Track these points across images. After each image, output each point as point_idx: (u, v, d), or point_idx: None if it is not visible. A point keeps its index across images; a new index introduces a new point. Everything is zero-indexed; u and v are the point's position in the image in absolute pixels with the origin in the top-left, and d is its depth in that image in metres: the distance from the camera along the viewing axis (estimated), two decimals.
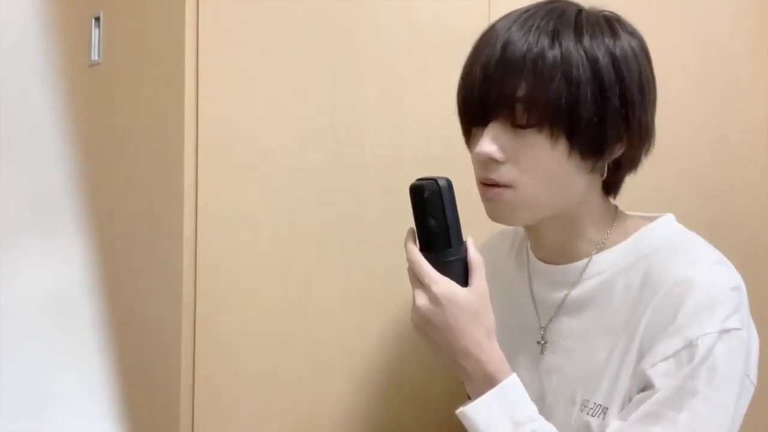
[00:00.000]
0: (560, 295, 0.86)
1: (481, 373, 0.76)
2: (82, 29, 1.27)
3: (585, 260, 0.84)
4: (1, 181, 0.26)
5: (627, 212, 0.87)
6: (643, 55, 0.81)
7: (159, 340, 1.07)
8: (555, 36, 0.76)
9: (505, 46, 0.76)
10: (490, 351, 0.76)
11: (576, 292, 0.85)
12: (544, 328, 0.88)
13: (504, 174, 0.78)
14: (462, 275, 0.77)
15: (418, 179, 0.79)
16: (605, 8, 0.83)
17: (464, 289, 0.76)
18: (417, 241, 0.79)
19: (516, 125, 0.77)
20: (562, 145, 0.76)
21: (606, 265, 0.83)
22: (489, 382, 0.76)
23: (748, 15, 1.26)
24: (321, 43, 1.05)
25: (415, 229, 0.79)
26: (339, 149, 1.07)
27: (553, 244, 0.86)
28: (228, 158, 1.01)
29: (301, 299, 1.05)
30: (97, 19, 1.24)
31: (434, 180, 0.77)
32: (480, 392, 0.76)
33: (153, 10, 1.10)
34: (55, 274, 0.28)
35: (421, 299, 0.76)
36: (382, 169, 1.08)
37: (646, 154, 0.83)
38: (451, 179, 0.78)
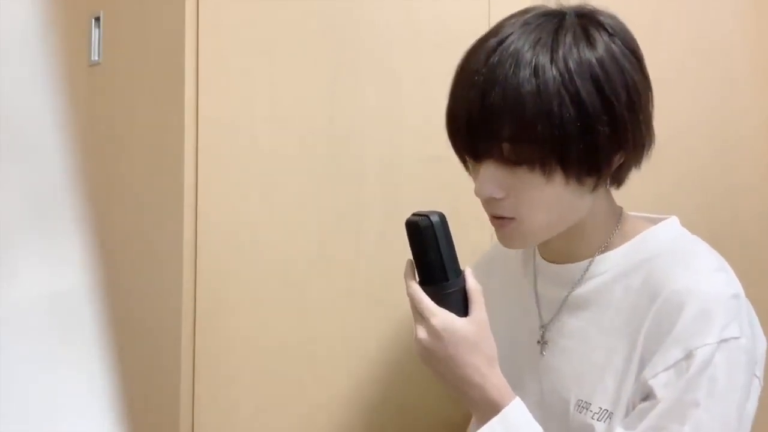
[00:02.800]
0: (563, 294, 0.87)
1: (484, 400, 0.76)
2: (82, 29, 1.27)
3: (588, 260, 0.85)
4: (1, 181, 0.26)
5: (631, 213, 0.87)
6: (626, 57, 0.77)
7: (159, 341, 1.07)
8: (531, 70, 0.73)
9: (485, 91, 0.75)
10: (492, 378, 0.77)
11: (577, 292, 0.85)
12: (545, 327, 0.88)
13: (506, 208, 0.79)
14: (461, 306, 0.78)
15: (413, 214, 0.79)
16: (584, 6, 0.80)
17: (463, 319, 0.77)
18: (416, 275, 0.80)
19: (508, 162, 0.77)
20: (557, 178, 0.76)
21: (607, 266, 0.83)
22: (493, 408, 0.76)
23: (748, 15, 1.26)
24: (321, 43, 1.05)
25: (413, 262, 0.80)
26: (339, 149, 1.07)
27: (558, 246, 0.87)
28: (228, 158, 1.01)
29: (301, 299, 1.05)
30: (97, 19, 1.24)
31: (426, 216, 0.78)
32: (485, 419, 0.76)
33: (153, 10, 1.10)
34: (55, 274, 0.28)
35: (422, 332, 0.77)
36: (381, 169, 1.08)
37: (647, 152, 0.81)
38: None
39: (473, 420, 0.78)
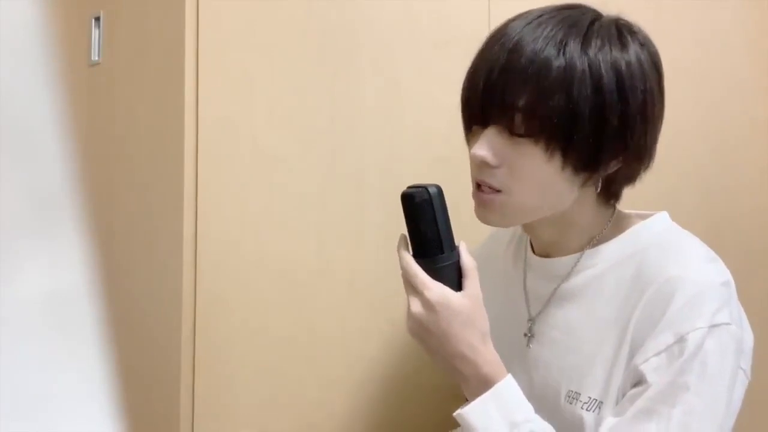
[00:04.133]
0: (551, 287, 0.87)
1: (476, 375, 0.76)
2: (82, 29, 1.27)
3: (578, 254, 0.85)
4: (1, 181, 0.26)
5: (623, 210, 0.88)
6: (651, 68, 0.80)
7: (159, 340, 1.07)
8: (562, 47, 0.75)
9: (511, 52, 0.76)
10: (485, 354, 0.77)
11: (566, 285, 0.86)
12: (532, 321, 0.89)
13: (497, 178, 0.79)
14: (455, 280, 0.78)
15: (409, 187, 0.79)
16: (621, 15, 0.82)
17: (457, 294, 0.77)
18: (410, 248, 0.79)
19: (513, 133, 0.77)
20: (556, 158, 0.77)
21: (598, 259, 0.84)
22: (485, 384, 0.76)
23: (748, 15, 1.26)
24: (321, 43, 1.05)
25: (407, 235, 0.79)
26: (339, 149, 1.07)
27: (548, 239, 0.87)
28: (228, 158, 1.01)
29: (301, 299, 1.05)
30: (97, 19, 1.24)
31: (425, 188, 0.77)
32: (477, 395, 0.76)
33: (153, 10, 1.10)
34: (55, 274, 0.28)
35: (416, 306, 0.76)
36: (381, 169, 1.08)
37: (644, 170, 0.83)
38: (441, 186, 0.79)
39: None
